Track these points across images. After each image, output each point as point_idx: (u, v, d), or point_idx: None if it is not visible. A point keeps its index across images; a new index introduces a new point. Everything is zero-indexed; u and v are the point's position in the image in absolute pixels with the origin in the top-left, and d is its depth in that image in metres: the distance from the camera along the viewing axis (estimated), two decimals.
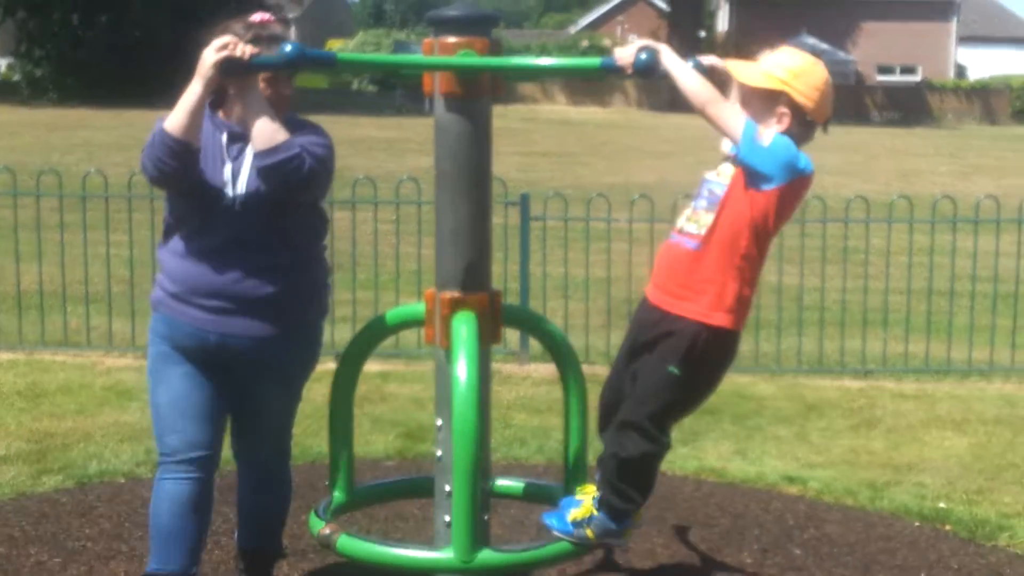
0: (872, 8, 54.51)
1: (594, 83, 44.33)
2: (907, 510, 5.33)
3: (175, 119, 3.44)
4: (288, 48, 3.18)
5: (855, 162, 26.61)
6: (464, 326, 3.36)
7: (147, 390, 3.78)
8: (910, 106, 47.93)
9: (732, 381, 7.67)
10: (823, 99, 3.39)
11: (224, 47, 3.34)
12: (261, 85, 3.54)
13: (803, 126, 3.40)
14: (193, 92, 3.41)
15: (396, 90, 40.27)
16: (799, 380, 7.83)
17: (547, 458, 5.92)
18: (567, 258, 8.53)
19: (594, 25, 68.55)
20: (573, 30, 67.47)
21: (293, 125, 3.58)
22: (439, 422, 3.51)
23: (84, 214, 8.05)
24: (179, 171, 3.49)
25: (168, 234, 3.70)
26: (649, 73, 3.26)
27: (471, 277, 3.44)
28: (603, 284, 8.67)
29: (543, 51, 47.94)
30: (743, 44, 51.42)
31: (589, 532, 3.53)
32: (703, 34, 52.52)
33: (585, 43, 49.88)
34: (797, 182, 3.37)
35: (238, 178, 3.59)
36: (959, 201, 8.86)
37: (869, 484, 5.67)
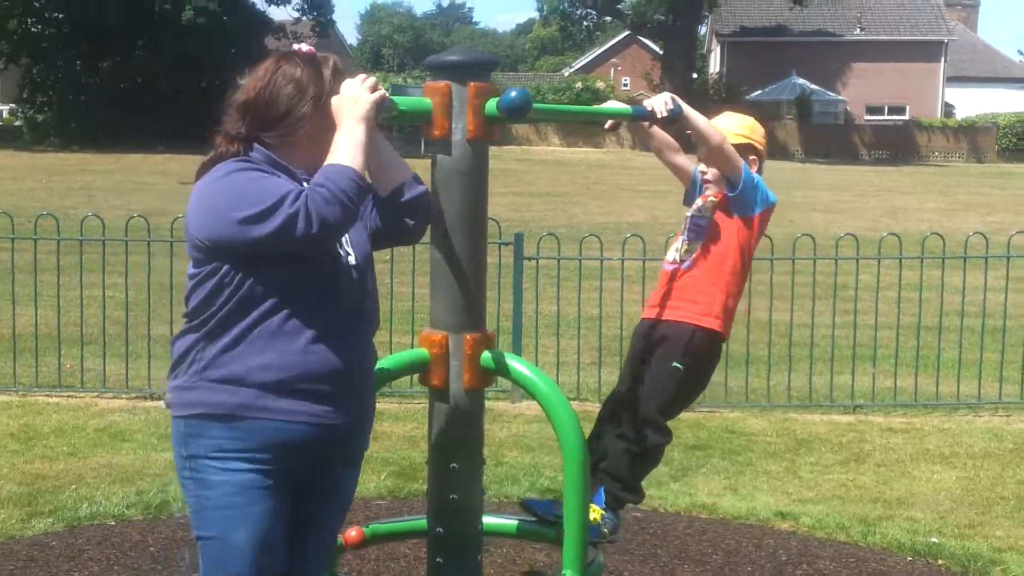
0: (861, 49, 54.98)
1: (589, 125, 44.57)
2: (899, 545, 5.36)
3: (359, 160, 2.90)
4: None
5: (844, 200, 26.76)
6: (518, 363, 3.50)
7: (201, 512, 2.97)
8: (898, 145, 48.24)
9: (722, 416, 7.73)
10: (766, 145, 4.52)
11: (375, 88, 3.00)
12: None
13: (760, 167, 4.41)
14: (358, 133, 2.91)
15: (393, 131, 40.47)
16: (789, 415, 7.88)
17: (539, 495, 5.93)
18: (559, 296, 8.59)
19: (588, 68, 69.03)
20: (567, 72, 67.91)
21: None
22: (454, 465, 3.48)
23: (81, 257, 8.10)
24: (358, 216, 2.96)
25: (252, 313, 2.89)
26: (676, 120, 3.93)
27: (477, 317, 3.48)
28: (595, 321, 8.72)
29: (538, 93, 48.29)
30: (734, 85, 51.80)
31: (605, 532, 4.08)
32: (695, 76, 52.86)
33: (579, 85, 50.17)
34: (769, 210, 4.34)
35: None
36: (947, 237, 8.95)
37: (861, 519, 5.70)
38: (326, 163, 2.87)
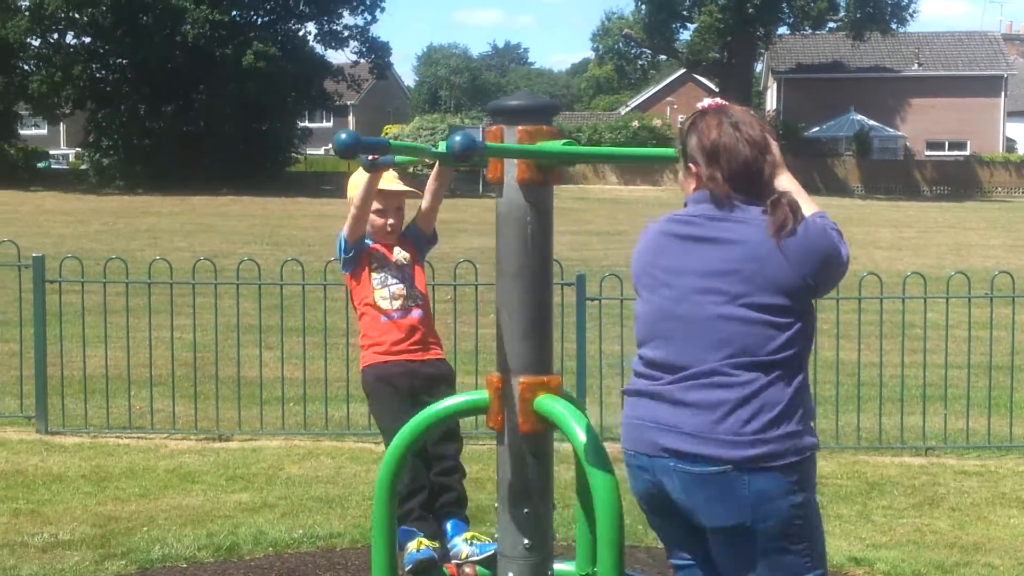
0: (919, 84, 54.59)
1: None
2: None
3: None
4: None
5: (907, 237, 26.49)
6: (558, 405, 3.34)
7: (820, 548, 3.11)
8: (960, 180, 47.77)
9: None
10: None
11: None
12: None
13: None
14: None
15: (451, 173, 40.77)
16: (859, 457, 7.76)
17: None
18: (623, 336, 8.54)
19: (644, 106, 69.13)
20: (624, 111, 68.05)
21: None
22: (526, 510, 3.45)
23: (149, 299, 8.21)
24: None
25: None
26: None
27: (543, 360, 3.46)
28: None
29: (595, 132, 48.43)
30: (791, 122, 51.62)
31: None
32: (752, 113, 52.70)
33: (635, 124, 50.24)
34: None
35: None
36: (1015, 274, 8.80)
37: (937, 565, 5.58)
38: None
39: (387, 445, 3.96)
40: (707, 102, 3.25)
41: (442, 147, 3.13)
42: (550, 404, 3.37)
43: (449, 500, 4.52)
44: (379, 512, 3.48)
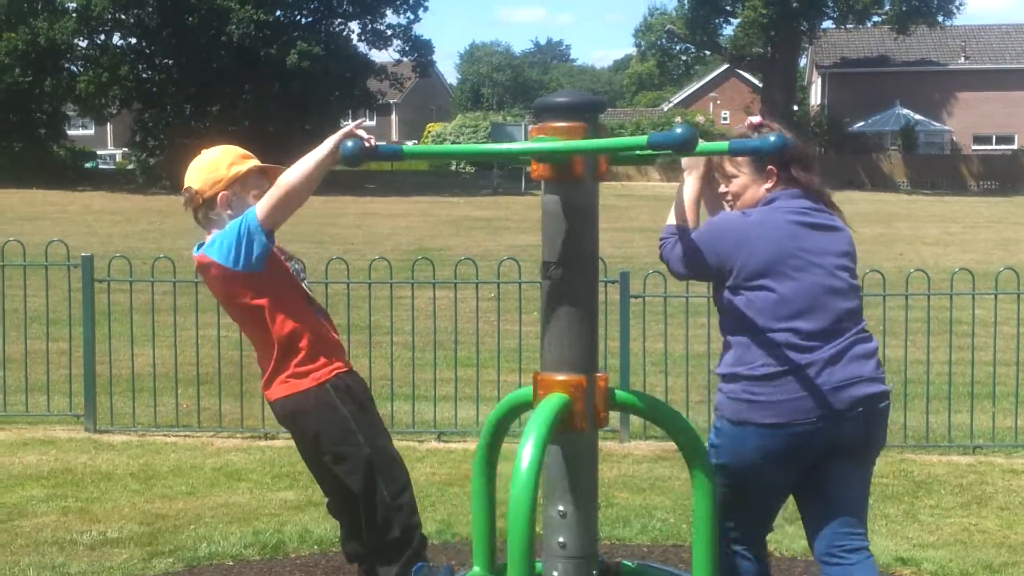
0: (966, 78, 53.95)
1: None
2: None
3: None
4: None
5: (954, 232, 26.21)
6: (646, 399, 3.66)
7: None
8: (1008, 175, 47.13)
9: None
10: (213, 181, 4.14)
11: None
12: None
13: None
14: (693, 186, 3.80)
15: (493, 170, 40.85)
16: (905, 456, 7.69)
17: (651, 538, 5.88)
18: (666, 333, 8.53)
19: (687, 102, 68.88)
20: (666, 107, 67.77)
21: None
22: (560, 508, 3.45)
23: (196, 298, 8.29)
24: None
25: None
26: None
27: (593, 358, 3.48)
28: (703, 359, 8.64)
29: (637, 129, 48.33)
30: (836, 117, 51.19)
31: None
32: (796, 108, 52.37)
33: (678, 119, 50.06)
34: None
35: None
36: None
37: (986, 565, 5.51)
38: None
39: (388, 476, 3.90)
40: (756, 118, 3.79)
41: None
42: (633, 397, 3.63)
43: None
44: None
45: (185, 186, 4.08)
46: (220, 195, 3.99)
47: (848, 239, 3.74)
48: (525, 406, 3.59)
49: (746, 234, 3.61)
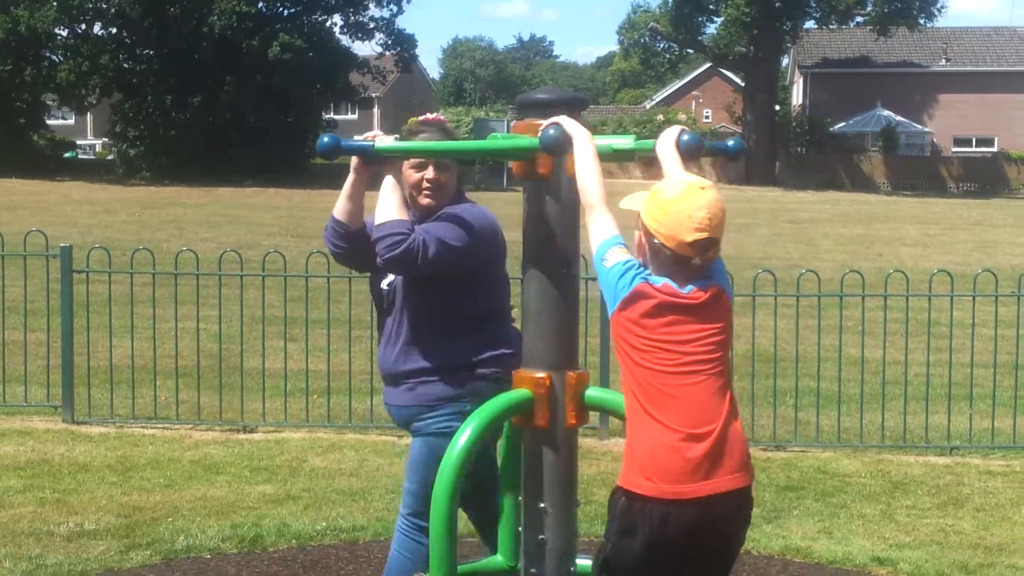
0: (947, 80, 54.19)
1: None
2: None
3: (337, 204, 3.98)
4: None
5: (933, 234, 26.32)
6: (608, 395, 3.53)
7: None
8: (987, 177, 47.42)
9: (814, 456, 7.61)
10: (676, 226, 3.03)
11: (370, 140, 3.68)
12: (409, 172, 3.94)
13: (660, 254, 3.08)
14: (347, 181, 3.92)
15: (475, 165, 40.79)
16: (883, 456, 7.73)
17: None
18: None
19: (669, 100, 68.97)
20: (649, 105, 67.84)
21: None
22: (542, 505, 3.47)
23: (176, 290, 8.26)
24: (342, 250, 4.02)
25: None
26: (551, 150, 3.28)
27: (572, 356, 3.49)
28: None
29: (620, 126, 48.40)
30: (817, 117, 51.37)
31: None
32: (778, 108, 52.52)
33: (661, 118, 50.14)
34: (627, 316, 3.06)
35: None
36: None
37: (961, 566, 5.55)
38: None
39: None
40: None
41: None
42: (602, 395, 3.55)
43: None
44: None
45: None
46: None
47: None
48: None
49: None
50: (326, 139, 3.45)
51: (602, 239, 3.13)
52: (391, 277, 4.01)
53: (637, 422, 3.07)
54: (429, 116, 3.97)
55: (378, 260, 3.77)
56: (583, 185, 3.20)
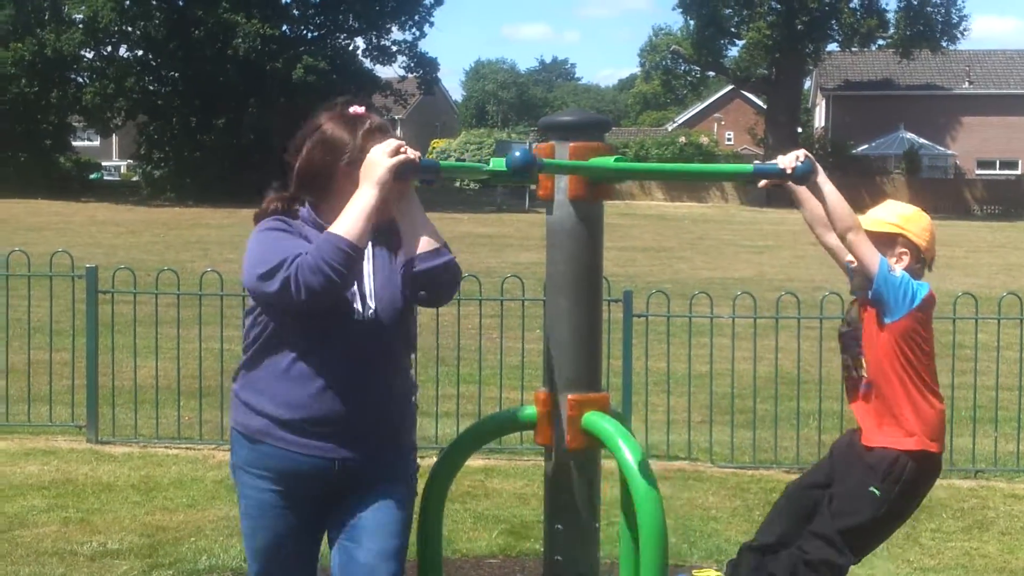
0: (970, 102, 54.06)
1: (693, 181, 44.51)
2: None
3: (359, 227, 3.03)
4: (517, 154, 3.05)
5: (956, 256, 26.22)
6: (606, 423, 3.36)
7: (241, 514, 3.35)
8: (1011, 200, 47.20)
9: None
10: (933, 240, 4.03)
11: (397, 151, 3.07)
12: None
13: (918, 263, 4.00)
14: (366, 199, 3.05)
15: (497, 188, 40.90)
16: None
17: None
18: (669, 353, 8.54)
19: (691, 122, 68.96)
20: (670, 127, 67.86)
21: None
22: (559, 526, 3.47)
23: (200, 310, 8.30)
24: (349, 282, 3.08)
25: (271, 353, 3.18)
26: (804, 179, 3.59)
27: (591, 377, 3.48)
28: (705, 379, 8.64)
29: (642, 148, 48.40)
30: (840, 140, 51.27)
31: None
32: (800, 130, 52.46)
33: (683, 140, 50.12)
34: (920, 314, 3.90)
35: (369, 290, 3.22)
36: None
37: None
38: (327, 229, 3.07)
39: None
40: (355, 107, 3.31)
41: (497, 163, 3.15)
42: (598, 421, 3.39)
43: None
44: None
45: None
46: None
47: None
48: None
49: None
50: (518, 153, 3.07)
51: (878, 255, 3.83)
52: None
53: (920, 397, 3.90)
54: (358, 109, 3.28)
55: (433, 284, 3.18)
56: (843, 210, 3.76)
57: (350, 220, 3.04)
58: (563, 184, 3.39)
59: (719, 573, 4.17)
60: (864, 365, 3.96)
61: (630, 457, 3.27)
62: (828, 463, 4.19)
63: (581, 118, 3.48)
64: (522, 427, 3.63)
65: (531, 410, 3.51)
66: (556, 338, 3.46)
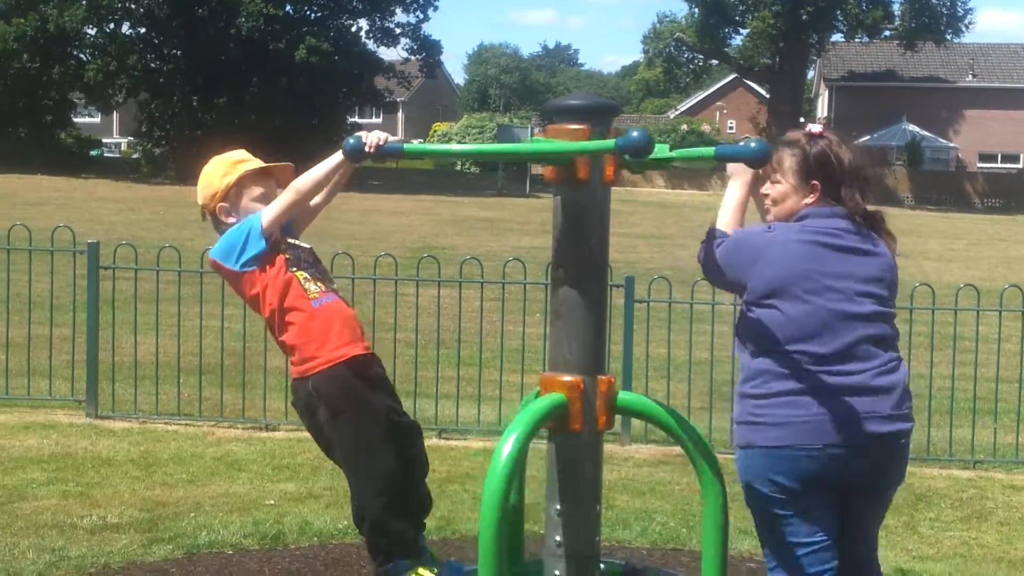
0: (973, 96, 54.00)
1: (694, 168, 44.46)
2: None
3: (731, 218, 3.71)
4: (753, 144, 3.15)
5: (957, 249, 26.22)
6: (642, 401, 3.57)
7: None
8: (1012, 193, 47.14)
9: None
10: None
11: (375, 139, 3.66)
12: None
13: None
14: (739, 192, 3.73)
15: (498, 171, 40.84)
16: (907, 469, 7.67)
17: (650, 541, 5.89)
18: (670, 339, 8.53)
19: (693, 110, 68.88)
20: (672, 115, 67.77)
21: None
22: (560, 508, 3.45)
23: (201, 288, 8.29)
24: None
25: None
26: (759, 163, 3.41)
27: (601, 361, 3.48)
28: (705, 366, 8.64)
29: None
30: (842, 130, 51.22)
31: None
32: (802, 120, 52.40)
33: (685, 128, 50.08)
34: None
35: None
36: None
37: None
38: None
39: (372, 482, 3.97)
40: (817, 127, 3.63)
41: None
42: (639, 400, 3.61)
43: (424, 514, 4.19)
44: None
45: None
46: (218, 207, 4.18)
47: (883, 264, 3.56)
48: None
49: (762, 251, 3.52)
50: (352, 140, 3.45)
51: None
52: None
53: None
54: None
55: None
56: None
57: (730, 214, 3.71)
58: (600, 166, 3.36)
59: None
60: None
61: (686, 429, 3.49)
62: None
63: (590, 102, 3.46)
64: (555, 416, 3.40)
65: (557, 397, 3.38)
66: (574, 321, 3.43)
